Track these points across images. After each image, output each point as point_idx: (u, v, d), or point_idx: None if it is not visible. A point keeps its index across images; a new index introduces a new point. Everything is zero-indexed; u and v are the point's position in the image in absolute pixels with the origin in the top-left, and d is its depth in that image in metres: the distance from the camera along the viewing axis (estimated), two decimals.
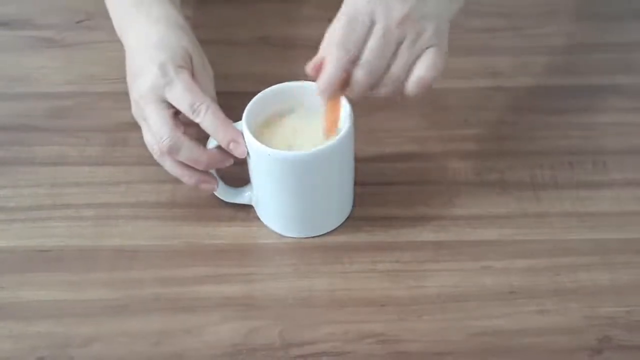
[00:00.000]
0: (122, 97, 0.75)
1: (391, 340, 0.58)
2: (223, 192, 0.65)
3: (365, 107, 0.73)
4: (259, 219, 0.66)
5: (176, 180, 0.68)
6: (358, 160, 0.67)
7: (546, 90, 0.76)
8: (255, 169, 0.62)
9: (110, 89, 0.76)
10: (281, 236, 0.65)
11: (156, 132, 0.61)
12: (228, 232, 0.65)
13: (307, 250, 0.63)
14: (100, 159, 0.71)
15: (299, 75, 0.76)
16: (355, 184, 0.67)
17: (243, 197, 0.65)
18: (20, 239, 0.65)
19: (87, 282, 0.62)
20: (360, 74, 0.58)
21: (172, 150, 0.61)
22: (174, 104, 0.60)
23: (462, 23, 0.84)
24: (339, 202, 0.65)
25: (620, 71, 0.78)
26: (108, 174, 0.70)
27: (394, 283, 0.61)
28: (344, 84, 0.58)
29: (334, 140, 0.59)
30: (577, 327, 0.58)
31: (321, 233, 0.65)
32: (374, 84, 0.59)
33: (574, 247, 0.63)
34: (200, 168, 0.63)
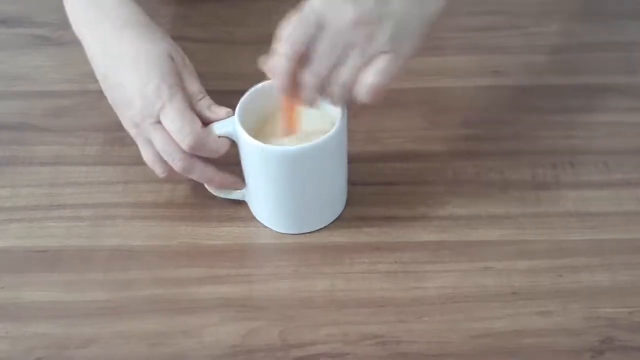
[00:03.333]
0: None
1: (391, 342, 0.58)
2: (216, 189, 0.65)
3: (365, 107, 0.73)
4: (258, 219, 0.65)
5: (175, 180, 0.68)
6: (358, 160, 0.67)
7: (546, 90, 0.76)
8: (248, 165, 0.62)
9: None
10: (281, 236, 0.64)
11: (167, 152, 0.61)
12: (227, 233, 0.65)
13: (307, 251, 0.63)
14: (99, 159, 0.71)
15: None
16: (356, 184, 0.67)
17: (236, 193, 0.65)
18: (17, 239, 0.65)
19: (85, 282, 0.62)
20: (306, 77, 0.57)
21: (185, 171, 0.61)
22: (165, 126, 0.60)
23: (463, 22, 0.84)
24: (332, 197, 0.65)
25: (620, 71, 0.78)
26: (106, 174, 0.69)
27: (393, 284, 0.61)
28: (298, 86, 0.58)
29: (327, 134, 0.59)
30: (579, 328, 0.58)
31: (314, 229, 0.65)
32: (322, 89, 0.57)
33: (575, 248, 0.63)
34: (212, 186, 0.65)
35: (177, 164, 0.61)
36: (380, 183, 0.68)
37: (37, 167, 0.70)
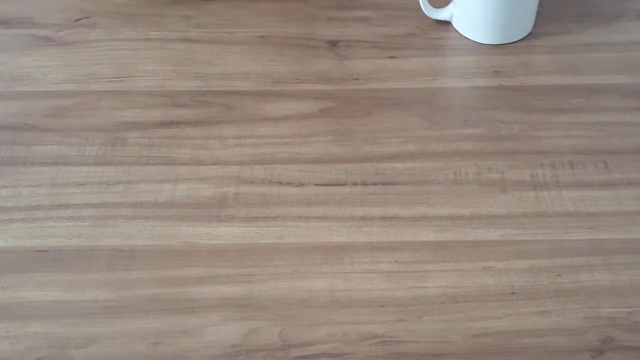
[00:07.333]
0: (122, 96, 0.75)
1: (391, 342, 0.58)
2: (427, 8, 0.81)
3: (365, 107, 0.74)
4: (258, 219, 0.65)
5: (175, 180, 0.68)
6: (358, 160, 0.67)
7: (546, 90, 0.76)
8: None
9: (110, 88, 0.76)
10: (281, 236, 0.64)
11: None
12: (227, 232, 0.65)
13: (307, 251, 0.63)
14: (100, 159, 0.71)
15: (300, 74, 0.76)
16: (356, 184, 0.67)
17: (444, 13, 0.81)
18: (18, 239, 0.65)
19: (86, 282, 0.62)
20: None
21: None
22: None
23: None
24: (530, 6, 0.79)
25: (620, 71, 0.78)
26: (107, 174, 0.69)
27: (393, 283, 0.61)
28: None
29: None
30: (578, 328, 0.58)
31: (514, 40, 0.79)
32: None
33: (575, 248, 0.63)
34: None
35: None
36: (380, 183, 0.68)
37: (38, 167, 0.70)
